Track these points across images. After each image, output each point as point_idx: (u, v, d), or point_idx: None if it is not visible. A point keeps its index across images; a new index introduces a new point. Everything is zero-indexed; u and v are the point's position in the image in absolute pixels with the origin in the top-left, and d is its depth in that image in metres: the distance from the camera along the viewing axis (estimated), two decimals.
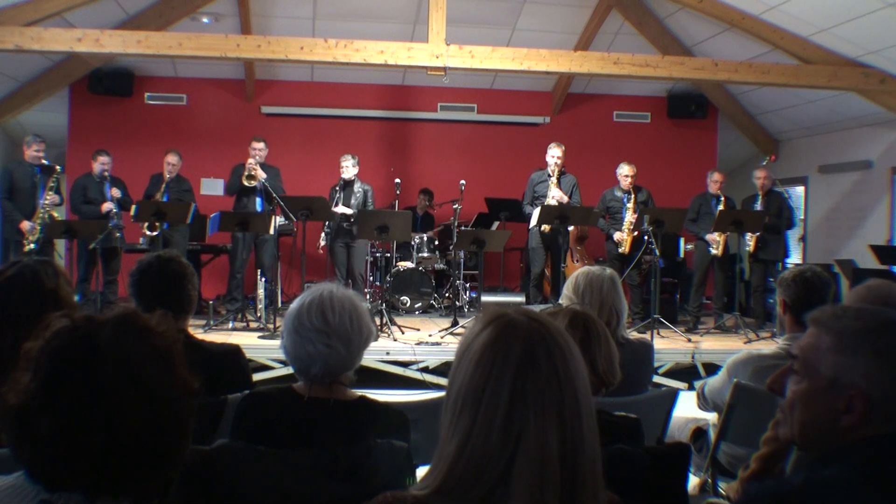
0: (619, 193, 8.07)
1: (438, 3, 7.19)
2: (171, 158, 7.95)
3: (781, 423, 1.46)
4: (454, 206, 8.61)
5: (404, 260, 8.82)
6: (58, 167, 7.77)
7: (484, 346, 1.18)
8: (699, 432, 3.32)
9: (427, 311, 8.61)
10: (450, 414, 1.18)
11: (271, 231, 7.64)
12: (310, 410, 1.90)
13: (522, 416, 1.13)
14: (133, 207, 7.42)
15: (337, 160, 8.17)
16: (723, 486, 3.02)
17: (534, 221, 7.73)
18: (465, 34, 7.72)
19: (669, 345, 7.00)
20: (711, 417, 3.31)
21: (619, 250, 7.96)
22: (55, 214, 7.63)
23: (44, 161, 7.75)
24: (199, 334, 3.12)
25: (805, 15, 7.28)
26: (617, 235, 7.97)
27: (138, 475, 1.07)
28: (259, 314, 7.58)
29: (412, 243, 8.75)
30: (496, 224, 9.09)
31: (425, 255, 8.81)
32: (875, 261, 7.69)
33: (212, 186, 9.92)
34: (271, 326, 6.88)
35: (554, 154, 7.86)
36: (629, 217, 7.87)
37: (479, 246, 7.18)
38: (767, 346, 6.09)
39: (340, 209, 7.86)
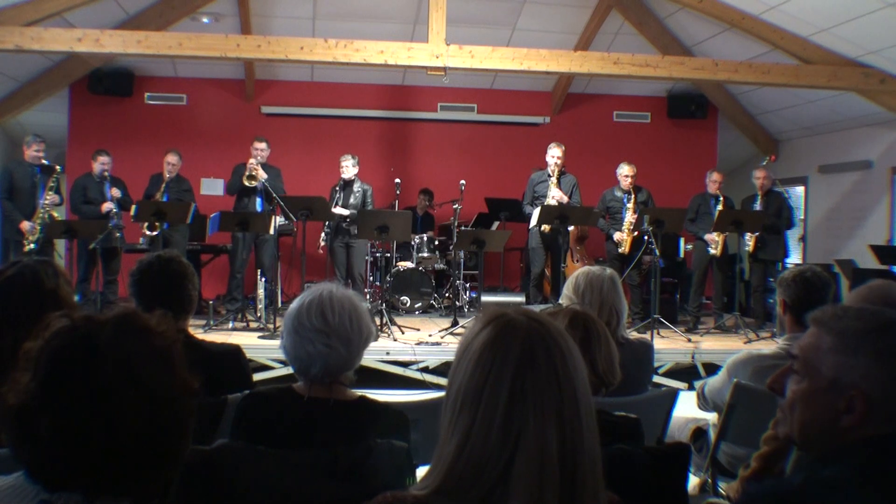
0: (619, 193, 8.07)
1: (438, 3, 7.19)
2: (171, 158, 7.95)
3: (781, 422, 1.46)
4: (454, 206, 8.61)
5: (404, 260, 8.82)
6: (58, 167, 7.77)
7: (483, 346, 1.18)
8: (699, 432, 3.32)
9: (427, 311, 8.61)
10: (449, 413, 1.18)
11: (271, 231, 7.64)
12: (310, 410, 1.90)
13: (522, 415, 1.13)
14: (133, 207, 7.42)
15: (337, 160, 8.17)
16: (723, 486, 3.02)
17: (534, 221, 7.73)
18: (465, 34, 7.73)
19: (669, 345, 7.00)
20: (711, 417, 3.30)
21: (619, 250, 7.96)
22: (55, 214, 7.63)
23: (44, 161, 7.75)
24: (199, 334, 3.12)
25: (805, 15, 7.28)
26: (617, 235, 7.97)
27: (138, 475, 1.07)
28: (259, 314, 7.58)
29: (412, 243, 8.75)
30: (496, 224, 9.09)
31: (425, 255, 8.81)
32: (875, 261, 7.69)
33: (212, 186, 9.92)
34: (271, 326, 6.88)
35: (554, 154, 7.86)
36: (629, 217, 7.87)
37: (479, 246, 7.18)
38: (767, 346, 6.09)
39: (338, 210, 7.85)
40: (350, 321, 1.93)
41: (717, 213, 7.74)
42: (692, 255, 8.68)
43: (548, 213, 7.42)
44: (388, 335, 6.80)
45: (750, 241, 7.83)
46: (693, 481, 3.12)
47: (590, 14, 9.08)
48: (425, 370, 6.37)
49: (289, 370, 3.85)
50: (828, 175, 9.85)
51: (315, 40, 7.36)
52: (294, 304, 1.97)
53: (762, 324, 7.89)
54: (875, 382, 1.30)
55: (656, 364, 6.16)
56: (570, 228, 8.09)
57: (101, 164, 7.87)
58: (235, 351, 2.85)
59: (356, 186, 8.03)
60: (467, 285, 9.04)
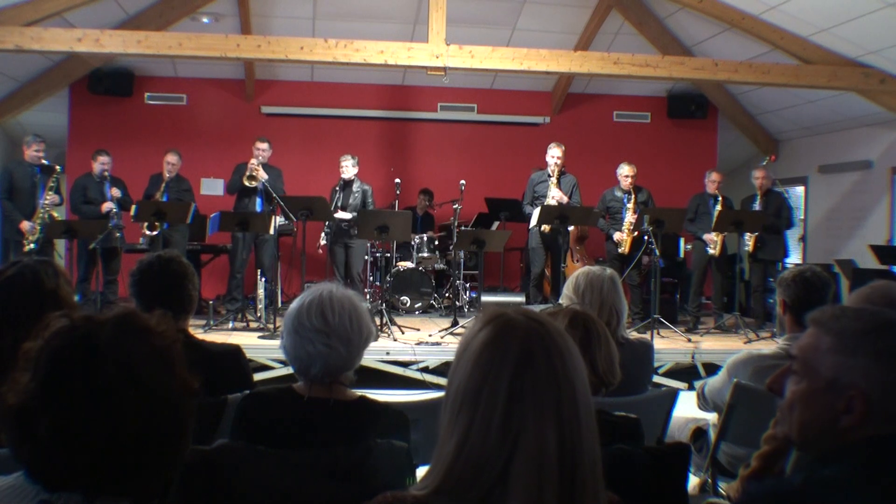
0: (619, 193, 8.07)
1: (438, 3, 7.19)
2: (171, 158, 7.95)
3: (780, 422, 1.46)
4: (454, 206, 8.61)
5: (404, 260, 8.82)
6: (58, 167, 7.77)
7: (482, 346, 1.18)
8: (699, 432, 3.32)
9: (427, 311, 8.61)
10: (448, 413, 1.18)
11: (271, 231, 7.65)
12: (310, 410, 1.90)
13: (520, 415, 1.13)
14: (133, 207, 7.43)
15: (337, 160, 8.18)
16: (723, 486, 3.02)
17: (534, 221, 7.73)
18: (465, 34, 7.73)
19: (669, 345, 7.00)
20: (711, 417, 3.30)
21: (619, 250, 7.96)
22: (55, 214, 7.63)
23: (44, 161, 7.75)
24: (199, 334, 3.12)
25: (805, 15, 7.28)
26: (617, 235, 7.97)
27: (138, 475, 1.07)
28: (259, 314, 7.58)
29: (412, 243, 8.75)
30: (496, 224, 9.09)
31: (425, 255, 8.81)
32: (875, 261, 7.69)
33: (212, 186, 9.93)
34: (271, 326, 6.88)
35: (554, 154, 7.86)
36: (629, 217, 7.88)
37: (479, 246, 7.18)
38: (767, 346, 6.09)
39: (340, 215, 7.85)
40: (350, 321, 1.93)
41: (716, 213, 7.75)
42: (691, 256, 8.68)
43: (548, 213, 7.42)
44: (388, 335, 6.80)
45: (749, 241, 7.83)
46: (693, 481, 3.12)
47: (590, 14, 9.08)
48: (425, 370, 6.38)
49: (289, 370, 3.84)
50: (828, 175, 9.85)
51: (315, 40, 7.36)
52: (294, 304, 1.97)
53: (762, 324, 7.89)
54: (874, 382, 1.30)
55: (656, 364, 6.16)
56: (570, 228, 8.09)
57: (101, 164, 7.87)
58: (235, 351, 2.85)
59: (355, 187, 8.03)
60: (467, 285, 9.04)
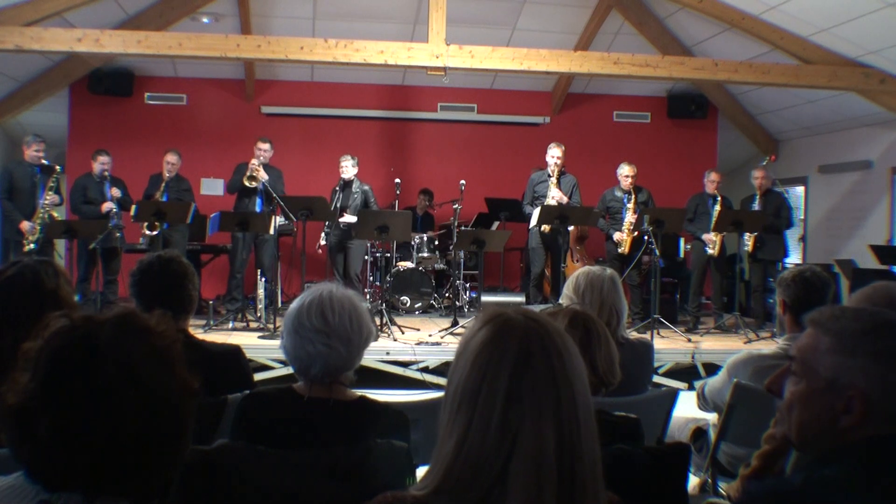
0: (619, 193, 8.07)
1: (438, 3, 7.19)
2: (171, 158, 7.95)
3: (780, 423, 1.46)
4: (454, 206, 8.61)
5: (404, 260, 8.82)
6: (58, 167, 7.76)
7: (481, 345, 1.18)
8: (699, 432, 3.32)
9: (427, 311, 8.61)
10: (447, 413, 1.18)
11: (271, 231, 7.65)
12: (310, 410, 1.90)
13: (519, 415, 1.13)
14: (133, 207, 7.43)
15: (337, 160, 8.18)
16: (723, 486, 3.02)
17: (534, 221, 7.73)
18: (465, 34, 7.72)
19: (669, 345, 7.00)
20: (711, 417, 3.30)
21: (619, 250, 7.96)
22: (55, 214, 7.63)
23: (44, 161, 7.75)
24: (199, 334, 3.12)
25: (805, 15, 7.28)
26: (617, 235, 7.97)
27: (138, 475, 1.07)
28: (259, 314, 7.58)
29: (412, 243, 8.75)
30: (496, 224, 9.09)
31: (425, 255, 8.82)
32: (875, 261, 7.69)
33: (212, 186, 9.93)
34: (271, 326, 6.88)
35: (554, 154, 7.86)
36: (629, 217, 7.88)
37: (479, 246, 7.18)
38: (767, 346, 6.09)
39: (345, 219, 7.85)
40: (350, 321, 1.93)
41: (715, 213, 7.76)
42: (690, 256, 8.68)
43: (548, 213, 7.42)
44: (388, 335, 6.80)
45: (749, 241, 7.84)
46: (693, 481, 3.12)
47: (590, 14, 9.09)
48: (425, 370, 6.38)
49: (289, 370, 3.84)
50: (828, 175, 9.85)
51: (315, 40, 7.36)
52: (294, 304, 1.97)
53: (762, 324, 7.89)
54: (874, 383, 1.30)
55: (656, 364, 6.16)
56: (570, 228, 8.09)
57: (100, 163, 7.87)
58: (235, 351, 2.85)
59: (355, 187, 8.03)
60: (467, 285, 9.04)
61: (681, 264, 9.47)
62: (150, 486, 1.10)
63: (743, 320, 7.61)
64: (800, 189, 10.40)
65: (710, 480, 3.07)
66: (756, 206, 7.94)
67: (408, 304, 8.52)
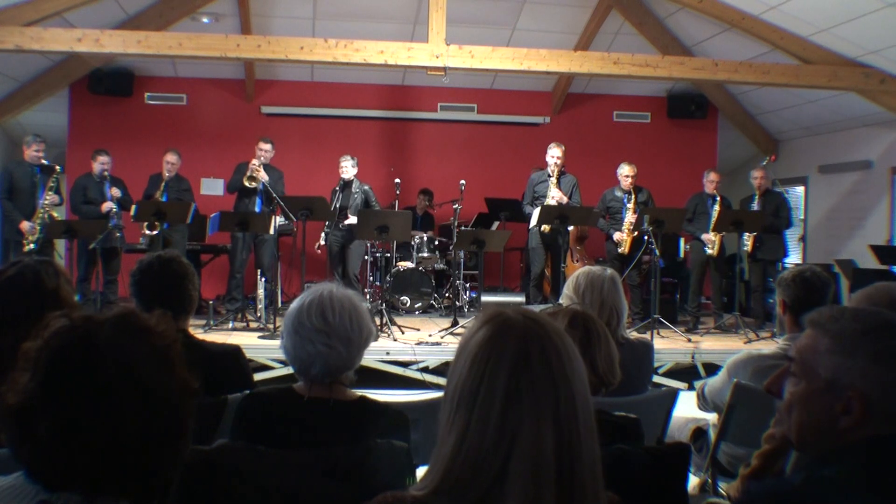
0: (619, 193, 8.07)
1: (438, 3, 7.19)
2: (171, 157, 7.95)
3: (779, 423, 1.46)
4: (454, 206, 8.61)
5: (404, 260, 8.82)
6: (58, 167, 7.76)
7: (479, 345, 1.18)
8: (699, 432, 3.32)
9: (427, 311, 8.61)
10: (447, 413, 1.18)
11: (271, 231, 7.65)
12: (310, 410, 1.90)
13: (517, 415, 1.13)
14: (133, 207, 7.43)
15: (337, 160, 8.18)
16: (723, 486, 3.02)
17: (534, 221, 7.73)
18: (465, 34, 7.73)
19: (669, 345, 7.00)
20: (711, 417, 3.30)
21: (619, 250, 7.96)
22: (55, 214, 7.62)
23: (44, 161, 7.75)
24: (199, 334, 3.12)
25: (805, 15, 7.28)
26: (617, 235, 7.97)
27: (138, 475, 1.07)
28: (259, 314, 7.58)
29: (412, 243, 8.75)
30: (496, 224, 9.09)
31: (425, 255, 8.82)
32: (875, 261, 7.69)
33: (212, 186, 9.93)
34: (271, 326, 6.88)
35: (554, 154, 7.86)
36: (629, 217, 7.88)
37: (479, 246, 7.18)
38: (767, 346, 6.09)
39: (349, 220, 7.85)
40: (350, 321, 1.93)
41: (714, 213, 7.76)
42: (689, 255, 8.69)
43: (548, 213, 7.42)
44: (388, 335, 6.80)
45: (748, 240, 7.84)
46: (693, 481, 3.12)
47: (590, 14, 9.09)
48: (425, 370, 6.38)
49: (289, 370, 3.83)
50: (828, 175, 9.85)
51: (315, 40, 7.36)
52: (294, 304, 1.97)
53: (762, 324, 7.89)
54: (873, 383, 1.30)
55: (656, 364, 6.16)
56: (570, 228, 8.09)
57: (100, 163, 7.86)
58: (235, 351, 2.85)
59: (355, 187, 8.03)
60: (467, 285, 9.04)
61: (681, 264, 9.48)
62: (150, 486, 1.10)
63: (743, 320, 7.60)
64: (800, 189, 10.40)
65: (710, 480, 3.07)
66: (755, 206, 7.94)
67: (408, 304, 8.52)
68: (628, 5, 8.90)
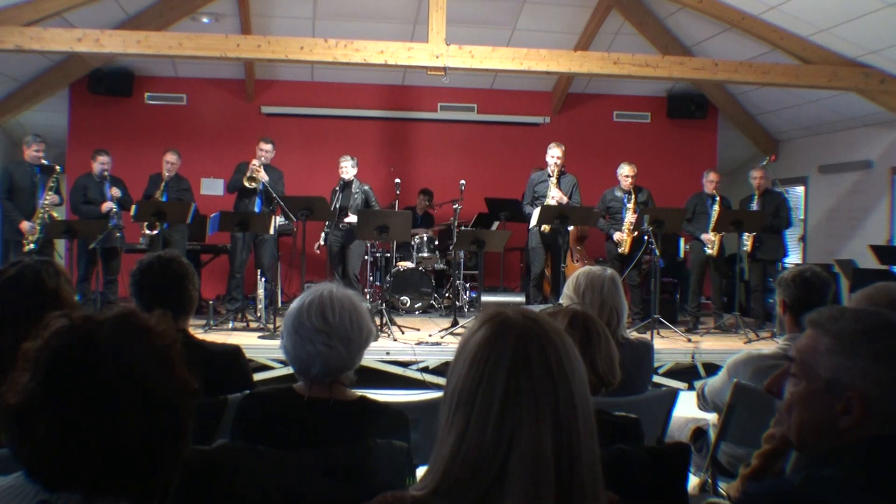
0: (619, 193, 8.07)
1: (438, 3, 7.19)
2: (170, 157, 7.95)
3: (779, 423, 1.46)
4: (454, 206, 8.61)
5: (404, 260, 8.82)
6: (58, 167, 7.76)
7: (478, 345, 1.18)
8: (699, 432, 3.32)
9: (427, 311, 8.61)
10: (446, 413, 1.18)
11: (271, 231, 7.65)
12: (310, 410, 1.90)
13: (516, 415, 1.13)
14: (133, 207, 7.43)
15: (337, 160, 8.18)
16: (723, 486, 3.02)
17: (534, 221, 7.73)
18: (465, 34, 7.73)
19: (669, 345, 7.00)
20: (711, 417, 3.30)
21: (619, 250, 7.96)
22: (55, 214, 7.62)
23: (44, 161, 7.74)
24: (199, 334, 3.12)
25: (805, 15, 7.28)
26: (617, 235, 7.97)
27: (137, 475, 1.07)
28: (259, 314, 7.58)
29: (412, 243, 8.75)
30: (496, 224, 9.08)
31: (425, 255, 8.82)
32: (875, 261, 7.68)
33: (212, 186, 9.93)
34: (271, 326, 6.88)
35: (554, 154, 7.86)
36: (629, 217, 7.88)
37: (479, 246, 7.18)
38: (767, 346, 6.09)
39: (349, 219, 7.85)
40: (350, 321, 1.93)
41: (714, 213, 7.76)
42: (689, 255, 8.69)
43: (548, 213, 7.42)
44: (388, 335, 6.80)
45: (748, 240, 7.84)
46: (693, 481, 3.12)
47: (590, 14, 9.09)
48: (425, 370, 6.38)
49: (289, 370, 3.83)
50: (828, 175, 9.85)
51: (315, 40, 7.36)
52: (294, 305, 1.97)
53: (762, 324, 7.89)
54: (873, 383, 1.30)
55: (656, 364, 6.16)
56: (570, 228, 8.09)
57: (100, 163, 7.86)
58: (235, 351, 2.85)
59: (354, 187, 8.03)
60: (467, 285, 9.04)
61: (681, 264, 9.48)
62: (150, 486, 1.10)
63: (743, 320, 7.60)
64: (800, 189, 10.40)
65: (710, 480, 3.07)
66: (755, 206, 7.94)
67: (408, 304, 8.52)
68: (628, 5, 8.90)
